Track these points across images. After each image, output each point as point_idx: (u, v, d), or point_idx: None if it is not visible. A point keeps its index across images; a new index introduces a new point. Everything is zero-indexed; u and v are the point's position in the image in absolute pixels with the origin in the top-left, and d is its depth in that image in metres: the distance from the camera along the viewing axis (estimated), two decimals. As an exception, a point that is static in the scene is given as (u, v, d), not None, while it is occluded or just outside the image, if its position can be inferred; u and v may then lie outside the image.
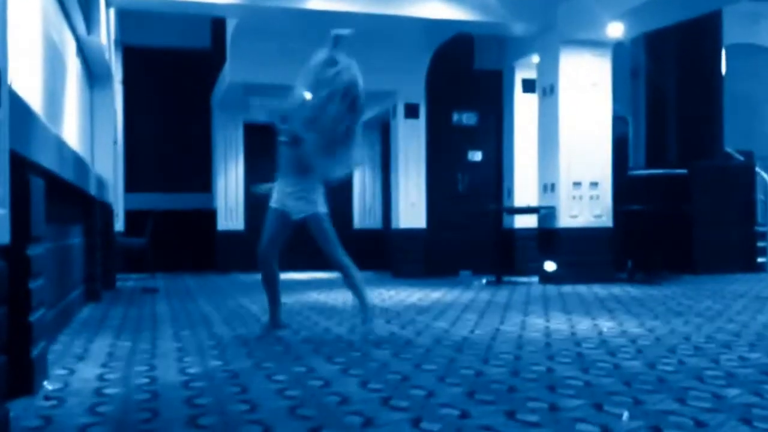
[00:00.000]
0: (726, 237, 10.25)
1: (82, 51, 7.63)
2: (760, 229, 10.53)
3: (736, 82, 12.63)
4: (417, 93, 10.89)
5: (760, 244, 10.45)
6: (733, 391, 3.11)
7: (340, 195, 13.51)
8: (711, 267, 10.02)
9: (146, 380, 3.46)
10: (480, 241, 10.81)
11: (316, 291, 8.50)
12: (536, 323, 5.45)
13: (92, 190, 6.87)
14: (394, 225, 11.14)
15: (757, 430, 2.51)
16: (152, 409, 2.90)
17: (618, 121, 10.65)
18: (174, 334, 5.08)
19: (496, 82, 11.30)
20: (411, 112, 10.87)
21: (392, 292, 8.20)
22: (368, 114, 12.54)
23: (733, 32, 12.19)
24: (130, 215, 11.69)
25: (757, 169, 10.85)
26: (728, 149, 11.23)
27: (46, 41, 5.06)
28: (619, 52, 10.00)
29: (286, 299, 7.43)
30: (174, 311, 6.59)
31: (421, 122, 10.94)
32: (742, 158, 10.92)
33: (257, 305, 6.98)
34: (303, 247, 13.26)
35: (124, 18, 11.21)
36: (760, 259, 10.38)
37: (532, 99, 10.41)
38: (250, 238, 12.57)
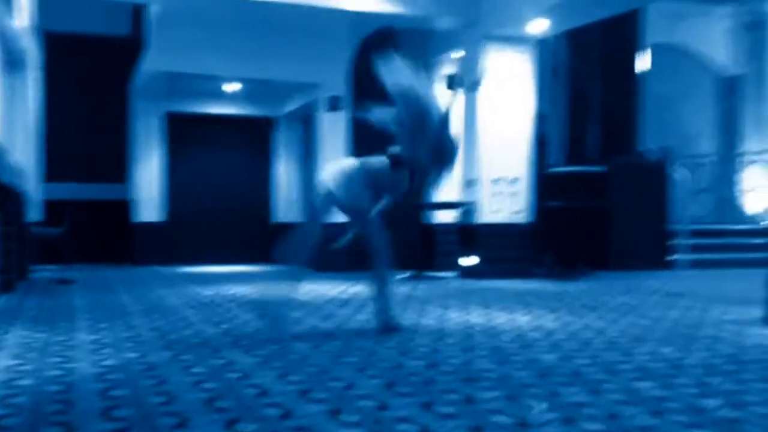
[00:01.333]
0: (641, 234, 10.50)
1: (0, 36, 7.40)
2: (675, 226, 10.79)
3: (654, 81, 12.96)
4: (340, 86, 10.89)
5: (675, 241, 10.74)
6: (645, 384, 3.21)
7: (260, 188, 13.43)
8: (626, 263, 10.25)
9: (61, 372, 3.43)
10: (401, 236, 10.87)
11: (236, 284, 8.43)
12: (455, 317, 5.53)
13: (8, 179, 6.68)
14: (315, 218, 11.11)
15: (667, 423, 2.60)
16: (66, 400, 2.88)
17: (539, 118, 10.87)
18: (90, 326, 5.00)
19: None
20: (334, 104, 10.88)
21: (314, 286, 8.14)
22: (291, 106, 12.53)
23: (652, 32, 12.47)
24: (49, 205, 11.34)
25: (673, 167, 11.15)
26: (645, 147, 11.54)
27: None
28: (541, 49, 10.19)
29: (208, 292, 7.39)
30: (91, 303, 6.46)
31: (344, 115, 10.96)
32: (658, 157, 11.23)
33: (176, 297, 6.91)
34: (225, 241, 13.24)
35: (42, 2, 10.86)
36: (673, 256, 10.69)
37: (455, 94, 10.52)
38: (169, 229, 12.39)
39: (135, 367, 3.57)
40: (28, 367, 3.54)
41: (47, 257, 10.76)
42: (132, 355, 3.90)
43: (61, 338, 4.43)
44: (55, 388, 3.11)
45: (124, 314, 5.65)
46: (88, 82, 12.80)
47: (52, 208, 11.00)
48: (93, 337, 4.50)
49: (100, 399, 2.91)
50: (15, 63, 8.56)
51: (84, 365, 3.60)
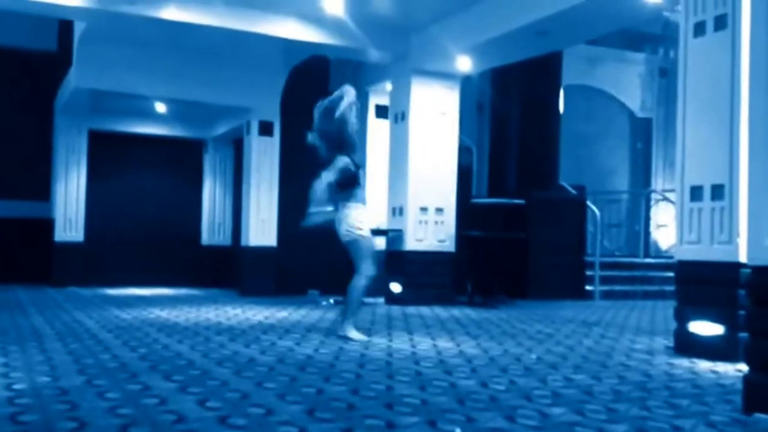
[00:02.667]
0: (558, 265, 10.82)
1: None
2: (589, 258, 11.21)
3: (572, 121, 13.56)
4: (272, 111, 10.90)
5: (589, 272, 11.12)
6: (558, 410, 3.31)
7: (188, 210, 13.27)
8: (544, 293, 10.52)
9: None
10: (330, 261, 10.89)
11: (158, 308, 8.29)
12: (379, 343, 5.57)
13: None
14: (243, 242, 11.05)
15: None
16: None
17: (464, 151, 11.09)
18: (0, 348, 4.84)
19: (351, 106, 11.48)
20: (265, 129, 10.87)
21: (238, 311, 8.13)
22: (222, 129, 12.45)
23: (571, 73, 13.09)
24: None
25: (588, 202, 11.54)
26: (563, 183, 11.94)
27: None
28: (467, 85, 10.44)
29: (127, 315, 7.25)
30: (2, 324, 6.26)
31: (275, 140, 10.96)
32: (575, 192, 11.62)
33: (93, 320, 6.76)
34: (149, 263, 12.97)
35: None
36: (588, 287, 11.05)
37: (385, 124, 10.67)
38: (90, 250, 12.08)
39: (47, 391, 3.49)
40: None
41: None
42: (44, 379, 3.81)
43: (-31, 361, 4.28)
44: None
45: (37, 337, 5.50)
46: (10, 97, 12.49)
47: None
48: (2, 360, 4.37)
49: (9, 424, 2.84)
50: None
51: None
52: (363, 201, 6.04)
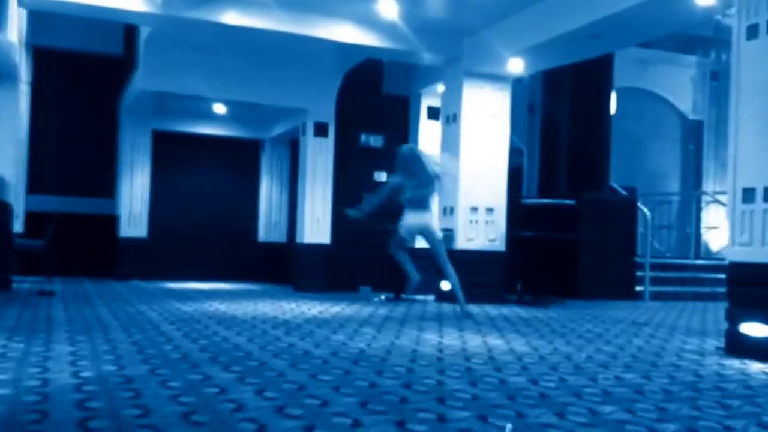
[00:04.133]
0: (608, 266, 10.78)
1: (-11, 49, 7.53)
2: (640, 259, 11.14)
3: (623, 122, 13.47)
4: (327, 112, 11.09)
5: (639, 273, 11.04)
6: (608, 408, 3.29)
7: (245, 208, 13.59)
8: (593, 293, 10.51)
9: (38, 382, 3.43)
10: (381, 259, 11.06)
11: (217, 301, 8.55)
12: (430, 339, 5.61)
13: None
14: (298, 239, 11.27)
15: None
16: (42, 410, 2.88)
17: (514, 152, 11.11)
18: (69, 337, 5.02)
19: (403, 108, 11.62)
20: (320, 130, 11.06)
21: (293, 305, 8.30)
22: (278, 129, 12.72)
23: (622, 76, 13.02)
24: (31, 217, 11.42)
25: (639, 204, 11.48)
26: (613, 184, 11.87)
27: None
28: (518, 87, 10.49)
29: (188, 308, 7.52)
30: (70, 315, 6.51)
31: (330, 141, 11.14)
32: (625, 193, 11.55)
33: (156, 312, 6.98)
34: (208, 258, 13.37)
35: (34, 18, 11.01)
36: (638, 288, 10.97)
37: (436, 126, 10.77)
38: (152, 245, 12.51)
39: (112, 379, 3.57)
40: (4, 377, 3.52)
41: (29, 269, 10.82)
42: (109, 367, 3.91)
43: (39, 349, 4.45)
44: (31, 398, 3.10)
45: (103, 327, 5.69)
46: (77, 98, 12.92)
47: (36, 220, 11.08)
48: (71, 348, 4.52)
49: (77, 410, 2.90)
50: (5, 77, 8.68)
51: (61, 376, 3.59)
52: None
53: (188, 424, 2.75)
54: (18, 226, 10.59)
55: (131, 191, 12.41)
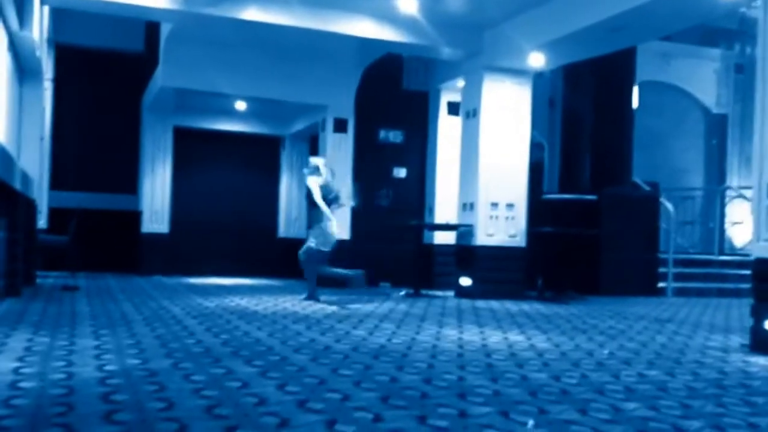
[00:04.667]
0: (630, 261, 10.72)
1: (14, 46, 7.58)
2: (662, 255, 11.06)
3: (646, 117, 13.36)
4: (346, 108, 11.10)
5: (662, 269, 10.96)
6: (631, 405, 3.30)
7: (266, 204, 13.65)
8: (615, 289, 10.45)
9: (63, 376, 3.48)
10: (401, 255, 11.08)
11: (238, 296, 8.60)
12: (450, 335, 5.63)
13: (17, 185, 6.83)
14: (318, 235, 11.29)
15: None
16: (68, 403, 2.91)
17: (535, 147, 11.06)
18: (93, 332, 5.09)
19: (423, 103, 11.60)
20: (340, 126, 11.07)
21: (313, 301, 8.37)
22: (298, 126, 12.75)
23: (645, 69, 12.90)
24: (54, 213, 11.53)
25: (662, 199, 11.40)
26: (636, 179, 11.80)
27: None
28: (538, 81, 10.43)
29: (210, 303, 7.58)
30: (94, 310, 6.59)
31: (349, 137, 11.16)
32: (648, 188, 11.46)
33: (179, 307, 7.05)
34: (229, 254, 13.43)
35: (57, 16, 11.11)
36: (661, 284, 10.90)
37: (456, 121, 10.74)
38: (174, 241, 12.59)
39: (136, 373, 3.64)
40: (30, 370, 3.59)
41: (53, 264, 10.93)
42: (133, 361, 3.97)
43: (64, 343, 4.52)
44: (57, 391, 3.16)
45: (127, 322, 5.76)
46: (100, 95, 13.04)
47: (59, 216, 11.18)
48: (95, 343, 4.58)
49: (102, 403, 2.95)
50: (28, 74, 8.77)
51: (86, 370, 3.66)
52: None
53: (211, 417, 2.78)
54: (42, 222, 10.70)
55: (153, 187, 12.51)
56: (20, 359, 3.89)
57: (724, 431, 2.92)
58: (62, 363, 3.83)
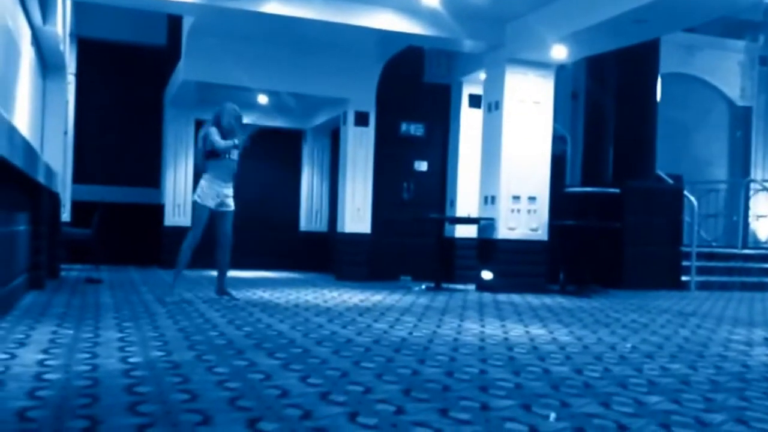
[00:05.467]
0: (653, 255, 10.67)
1: (37, 40, 7.65)
2: (685, 249, 10.98)
3: (669, 109, 13.25)
4: (368, 101, 11.09)
5: (685, 263, 10.89)
6: (654, 398, 3.27)
7: (288, 198, 13.69)
8: (638, 283, 10.41)
9: (87, 367, 3.50)
10: (422, 248, 11.08)
11: (260, 289, 8.65)
12: (471, 328, 5.62)
13: (41, 179, 6.89)
14: (339, 229, 11.32)
15: None
16: (92, 395, 2.94)
17: (557, 140, 11.01)
18: (117, 324, 5.12)
19: (444, 96, 11.55)
20: (361, 119, 11.06)
21: (335, 294, 8.37)
22: (320, 119, 12.76)
23: (668, 61, 12.79)
24: (77, 206, 11.65)
25: (685, 192, 11.31)
26: (659, 172, 11.71)
27: (0, 28, 5.12)
28: (561, 74, 10.36)
29: (235, 293, 7.63)
30: (117, 302, 6.65)
31: (371, 130, 11.15)
32: (671, 181, 11.39)
33: (201, 300, 7.11)
34: (251, 247, 13.50)
35: (80, 10, 11.20)
36: (684, 278, 10.82)
37: (478, 114, 10.70)
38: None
39: (160, 365, 3.64)
40: (55, 362, 3.61)
41: (77, 257, 11.04)
42: (157, 353, 3.98)
43: (88, 335, 4.55)
44: (81, 382, 3.16)
45: (150, 314, 5.81)
46: (122, 89, 13.14)
47: (82, 209, 11.30)
48: (119, 335, 4.62)
49: (126, 394, 2.96)
50: (52, 68, 8.84)
51: (110, 362, 3.66)
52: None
53: (234, 409, 2.79)
54: (65, 216, 10.81)
55: (175, 181, 12.59)
56: (45, 351, 3.93)
57: (747, 424, 2.89)
58: (86, 355, 3.86)
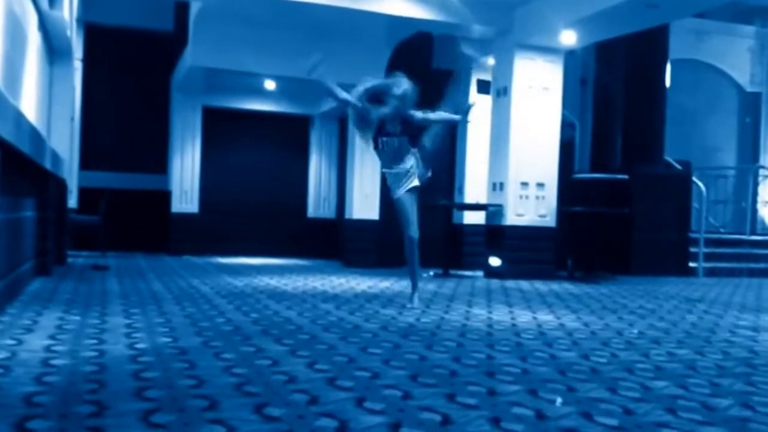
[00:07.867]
0: (661, 241, 10.63)
1: (44, 25, 7.61)
2: (694, 235, 10.94)
3: (678, 95, 13.16)
4: (376, 87, 11.02)
5: (693, 249, 10.85)
6: (660, 383, 3.27)
7: (295, 184, 13.68)
8: (646, 269, 10.38)
9: (94, 353, 3.52)
10: (430, 235, 11.01)
11: (267, 276, 8.65)
12: (479, 314, 5.62)
13: (47, 165, 6.89)
14: (347, 215, 11.32)
15: (680, 420, 2.68)
16: (99, 380, 2.95)
17: (566, 126, 10.94)
18: (123, 310, 5.14)
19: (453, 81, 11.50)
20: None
21: (342, 280, 8.38)
22: (327, 105, 12.72)
23: (678, 47, 12.69)
24: (84, 192, 11.66)
25: (694, 178, 11.25)
26: (668, 158, 11.64)
27: (7, 13, 5.09)
28: (570, 59, 10.29)
29: (239, 283, 7.62)
30: (124, 289, 6.67)
31: (378, 116, 11.09)
32: (680, 167, 11.33)
33: (208, 287, 7.10)
34: (258, 234, 13.51)
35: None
36: (692, 264, 10.79)
37: (486, 100, 10.64)
38: (203, 220, 12.67)
39: (167, 351, 3.65)
40: (62, 348, 3.62)
41: (84, 244, 11.06)
42: (164, 339, 4.00)
43: (95, 321, 4.57)
44: (88, 368, 3.18)
45: (157, 301, 5.82)
46: (129, 74, 13.11)
47: (89, 195, 11.30)
48: (126, 321, 4.63)
49: (133, 380, 2.98)
50: (59, 53, 8.82)
51: (117, 348, 3.68)
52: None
53: (242, 395, 2.79)
54: (72, 202, 10.82)
55: (182, 167, 12.59)
56: (52, 337, 3.94)
57: (753, 409, 2.89)
58: (93, 341, 3.87)
